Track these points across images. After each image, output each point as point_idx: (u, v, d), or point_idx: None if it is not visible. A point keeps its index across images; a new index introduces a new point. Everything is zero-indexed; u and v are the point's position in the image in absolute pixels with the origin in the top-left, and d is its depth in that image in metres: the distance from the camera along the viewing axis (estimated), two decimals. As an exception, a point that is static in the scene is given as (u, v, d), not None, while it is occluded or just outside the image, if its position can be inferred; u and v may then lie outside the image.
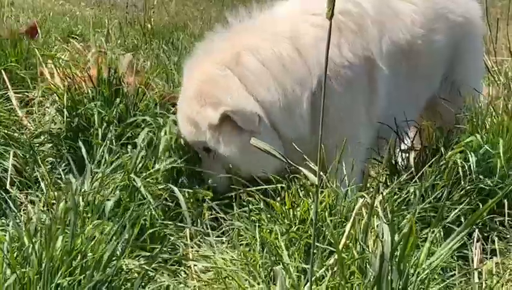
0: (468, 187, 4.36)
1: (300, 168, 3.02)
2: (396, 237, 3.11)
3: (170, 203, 4.25)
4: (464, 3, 5.11)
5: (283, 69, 4.35)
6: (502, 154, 4.49)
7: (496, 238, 4.16)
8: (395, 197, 4.03)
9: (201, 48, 4.60)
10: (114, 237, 3.36)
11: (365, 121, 4.56)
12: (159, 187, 4.25)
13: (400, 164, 4.73)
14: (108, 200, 3.87)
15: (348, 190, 3.94)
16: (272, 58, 4.36)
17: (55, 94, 5.23)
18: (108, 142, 4.55)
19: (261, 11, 4.65)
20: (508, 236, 4.31)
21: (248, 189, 4.14)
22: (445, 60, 4.99)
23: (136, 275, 3.38)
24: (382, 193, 3.60)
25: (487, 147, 4.52)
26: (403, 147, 4.85)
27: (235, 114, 4.26)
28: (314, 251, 2.99)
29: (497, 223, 4.37)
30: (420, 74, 4.84)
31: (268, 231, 3.76)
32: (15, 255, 3.19)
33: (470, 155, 4.49)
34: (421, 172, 4.40)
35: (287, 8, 4.71)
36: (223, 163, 4.38)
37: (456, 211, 4.08)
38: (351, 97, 4.46)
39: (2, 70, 5.86)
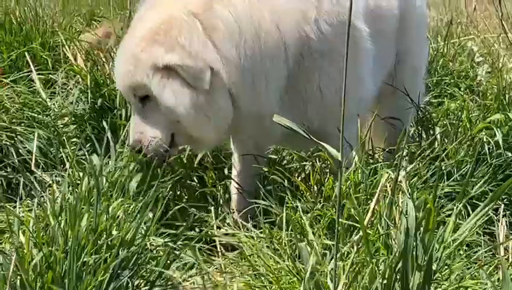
0: (495, 163, 4.37)
1: (323, 144, 2.98)
2: (421, 212, 3.13)
3: (195, 183, 4.30)
4: None
5: (256, 36, 3.99)
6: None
7: (523, 214, 4.18)
8: (421, 173, 4.05)
9: None
10: (139, 215, 3.40)
11: (358, 92, 4.32)
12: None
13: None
14: (131, 179, 3.91)
15: (374, 167, 3.96)
16: (247, 23, 3.99)
17: (78, 75, 5.29)
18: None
19: None
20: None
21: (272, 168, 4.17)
22: (396, 29, 4.77)
23: (161, 253, 3.42)
24: (406, 169, 3.61)
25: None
26: None
27: (182, 69, 3.86)
28: (339, 228, 3.01)
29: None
30: (385, 40, 4.62)
31: (292, 208, 3.79)
32: (41, 234, 3.24)
33: (496, 131, 4.50)
34: (449, 149, 4.41)
35: None
36: (164, 118, 3.96)
37: (480, 184, 4.09)
38: (343, 72, 4.19)
39: (26, 53, 5.93)
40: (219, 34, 3.95)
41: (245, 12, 4.00)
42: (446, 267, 3.23)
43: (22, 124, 4.84)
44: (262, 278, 3.43)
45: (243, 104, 4.03)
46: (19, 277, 3.07)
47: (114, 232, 3.31)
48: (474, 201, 4.07)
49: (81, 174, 3.97)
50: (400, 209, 3.28)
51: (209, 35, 3.94)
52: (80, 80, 5.26)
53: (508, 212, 4.10)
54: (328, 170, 4.14)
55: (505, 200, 4.26)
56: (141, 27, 4.03)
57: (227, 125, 4.06)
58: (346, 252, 3.30)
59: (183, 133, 4.00)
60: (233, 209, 4.30)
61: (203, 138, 4.06)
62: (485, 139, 4.56)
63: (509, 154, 4.56)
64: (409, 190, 3.47)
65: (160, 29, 3.94)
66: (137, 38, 3.99)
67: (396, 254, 3.08)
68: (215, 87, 3.93)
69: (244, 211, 4.22)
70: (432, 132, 4.79)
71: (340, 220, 3.18)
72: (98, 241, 3.23)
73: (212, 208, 4.10)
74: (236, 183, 4.36)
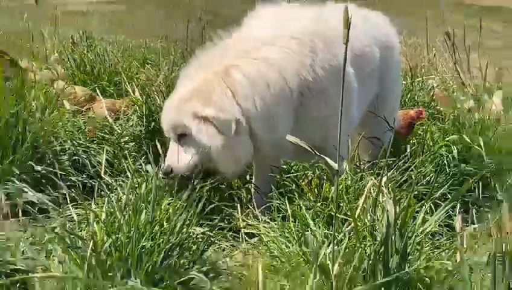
0: (452, 172, 4.38)
1: (324, 157, 3.03)
2: (397, 209, 3.13)
3: (224, 186, 4.32)
4: (384, 28, 4.91)
5: (266, 87, 4.03)
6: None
7: (474, 210, 4.19)
8: (396, 179, 4.05)
9: (196, 62, 4.20)
10: (184, 211, 3.41)
11: (347, 119, 4.22)
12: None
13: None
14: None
15: (361, 174, 3.96)
16: (257, 78, 4.04)
17: (136, 105, 5.32)
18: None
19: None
20: (482, 209, 4.32)
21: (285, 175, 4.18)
22: (378, 71, 4.72)
23: (200, 239, 3.43)
24: (387, 175, 3.60)
25: (468, 140, 4.52)
26: None
27: (215, 119, 3.93)
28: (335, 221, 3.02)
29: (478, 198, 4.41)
30: (368, 79, 4.57)
31: (299, 206, 3.78)
32: (110, 225, 3.25)
33: (453, 148, 4.50)
34: (417, 162, 4.41)
35: (263, 25, 4.31)
36: (196, 153, 3.99)
37: (442, 189, 4.10)
38: (333, 105, 4.13)
39: (96, 88, 5.96)
40: (238, 95, 4.01)
41: (254, 72, 4.05)
42: (417, 251, 3.23)
43: (94, 142, 4.88)
44: (277, 259, 3.43)
45: (265, 140, 4.10)
46: (94, 257, 3.08)
47: (165, 224, 3.32)
48: (436, 201, 4.06)
49: (139, 179, 3.99)
50: (382, 206, 3.28)
51: (233, 95, 4.00)
52: (137, 108, 5.27)
53: (462, 210, 4.09)
54: (325, 177, 4.14)
55: (460, 200, 4.25)
56: (186, 86, 4.09)
57: (248, 160, 4.13)
58: (340, 239, 3.29)
59: (210, 165, 4.01)
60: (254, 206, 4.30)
61: (228, 170, 4.06)
62: (444, 154, 4.56)
63: (463, 166, 4.57)
64: (389, 191, 3.46)
65: (199, 89, 4.00)
66: (182, 94, 4.06)
67: (379, 241, 3.08)
68: (239, 133, 3.98)
69: (262, 207, 4.22)
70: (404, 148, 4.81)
71: (336, 214, 3.18)
72: (154, 230, 3.25)
73: (238, 205, 4.10)
74: (256, 186, 4.37)
